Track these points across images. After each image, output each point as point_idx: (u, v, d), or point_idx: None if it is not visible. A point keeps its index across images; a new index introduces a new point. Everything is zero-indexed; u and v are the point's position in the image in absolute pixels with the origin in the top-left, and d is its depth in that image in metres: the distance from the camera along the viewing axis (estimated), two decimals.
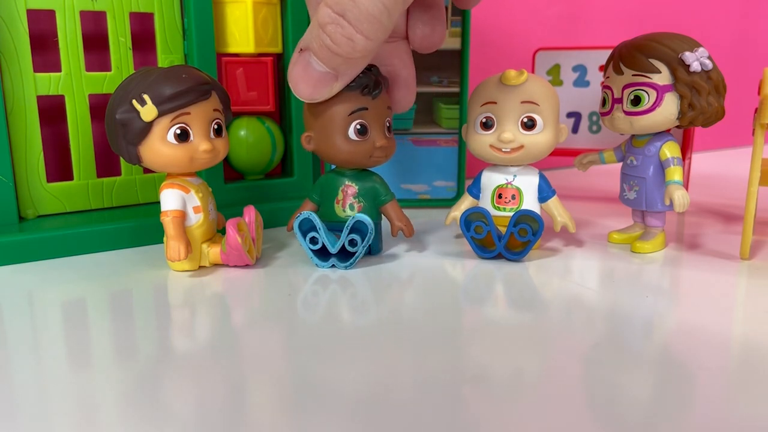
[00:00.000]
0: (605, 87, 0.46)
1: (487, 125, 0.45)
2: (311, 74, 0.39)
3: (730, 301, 0.39)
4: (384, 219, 0.47)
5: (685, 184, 0.57)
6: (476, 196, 0.48)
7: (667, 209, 0.46)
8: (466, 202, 0.48)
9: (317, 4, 0.40)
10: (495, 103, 0.44)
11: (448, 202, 0.60)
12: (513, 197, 0.46)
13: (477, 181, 0.48)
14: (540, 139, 0.44)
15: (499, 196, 0.46)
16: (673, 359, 0.31)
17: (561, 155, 0.65)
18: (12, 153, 0.47)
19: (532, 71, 0.66)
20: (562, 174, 0.79)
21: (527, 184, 0.46)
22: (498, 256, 0.45)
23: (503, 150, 0.44)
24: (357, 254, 0.43)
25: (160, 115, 0.40)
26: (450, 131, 0.59)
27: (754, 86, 0.67)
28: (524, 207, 0.46)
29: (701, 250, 0.48)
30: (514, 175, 0.46)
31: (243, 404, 0.27)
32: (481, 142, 0.45)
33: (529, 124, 0.43)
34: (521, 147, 0.44)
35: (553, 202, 0.46)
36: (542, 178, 0.46)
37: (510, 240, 0.44)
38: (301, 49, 0.39)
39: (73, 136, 0.50)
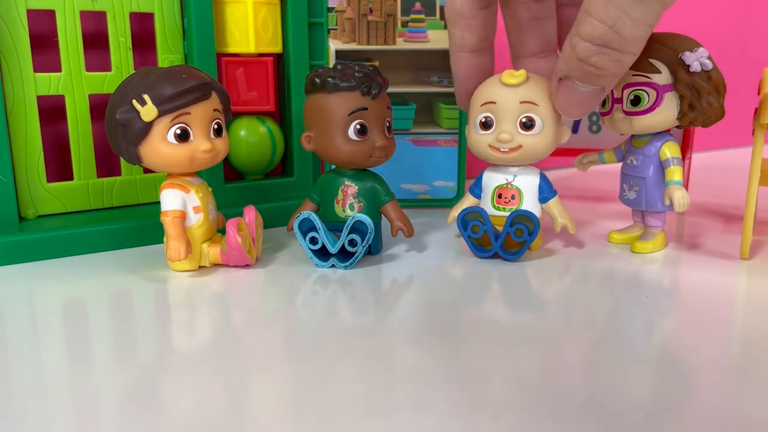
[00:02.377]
0: None
1: (486, 125, 0.45)
2: (578, 97, 0.40)
3: (730, 301, 0.39)
4: (384, 219, 0.47)
5: (685, 184, 0.57)
6: (478, 196, 0.48)
7: (667, 209, 0.46)
8: (467, 202, 0.48)
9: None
10: (494, 103, 0.44)
11: (448, 202, 0.60)
12: (513, 197, 0.46)
13: (479, 180, 0.48)
14: (538, 140, 0.44)
15: (499, 196, 0.46)
16: (673, 359, 0.31)
17: (561, 155, 0.64)
18: (12, 153, 0.47)
19: None
20: (562, 174, 0.79)
21: (527, 184, 0.46)
22: (494, 256, 0.45)
23: (501, 150, 0.44)
24: (357, 254, 0.43)
25: (160, 115, 0.40)
26: (450, 131, 0.59)
27: (754, 86, 0.67)
28: (524, 207, 0.46)
29: (701, 250, 0.48)
30: (514, 175, 0.46)
31: (243, 404, 0.27)
32: (480, 141, 0.45)
33: (528, 125, 0.43)
34: (519, 147, 0.44)
35: (554, 203, 0.46)
36: (543, 178, 0.46)
37: (506, 240, 0.44)
38: (560, 78, 0.40)
39: (73, 136, 0.50)
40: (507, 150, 0.44)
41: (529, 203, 0.46)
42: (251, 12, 0.52)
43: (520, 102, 0.43)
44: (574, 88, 0.40)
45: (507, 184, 0.46)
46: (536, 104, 0.43)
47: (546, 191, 0.46)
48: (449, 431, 0.25)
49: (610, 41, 0.36)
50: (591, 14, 0.36)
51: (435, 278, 0.42)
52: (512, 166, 0.46)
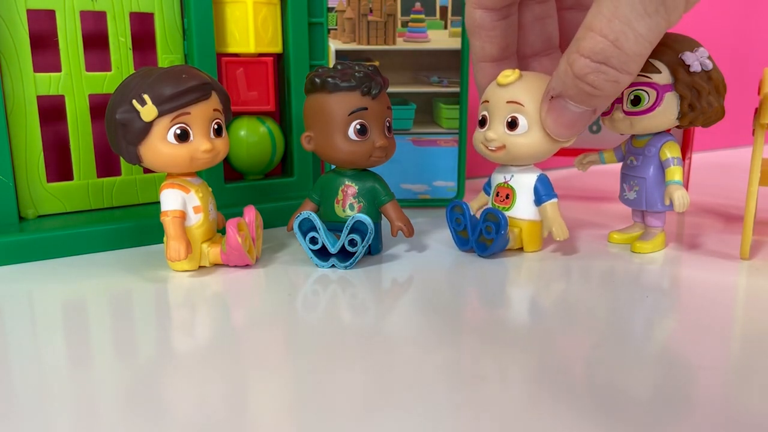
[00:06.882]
0: None
1: (482, 123, 0.45)
2: (569, 117, 0.40)
3: (730, 301, 0.39)
4: (384, 219, 0.47)
5: (685, 184, 0.57)
6: (488, 193, 0.49)
7: (667, 209, 0.46)
8: (480, 199, 0.50)
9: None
10: (488, 102, 0.45)
11: (448, 202, 0.60)
12: (507, 196, 0.46)
13: (490, 178, 0.49)
14: (522, 141, 0.43)
15: (497, 195, 0.47)
16: (673, 359, 0.31)
17: (561, 155, 0.64)
18: (12, 153, 0.47)
19: None
20: (562, 174, 0.79)
21: (522, 184, 0.46)
22: (470, 250, 0.47)
23: (489, 148, 0.45)
24: (357, 254, 0.43)
25: (160, 115, 0.40)
26: (450, 131, 0.59)
27: (754, 86, 0.67)
28: (516, 207, 0.46)
29: (701, 250, 0.48)
30: (512, 175, 0.46)
31: (243, 404, 0.27)
32: (476, 138, 0.46)
33: (513, 124, 0.44)
34: (504, 146, 0.44)
35: (548, 207, 0.45)
36: (541, 180, 0.46)
37: (480, 235, 0.45)
38: (552, 97, 0.40)
39: (73, 136, 0.50)
40: (494, 148, 0.44)
41: (522, 204, 0.46)
42: (251, 12, 0.52)
43: (507, 102, 0.43)
44: (566, 107, 0.39)
45: (504, 183, 0.47)
46: (522, 105, 0.43)
47: (542, 194, 0.46)
48: (449, 431, 0.25)
49: (610, 57, 0.36)
50: (593, 29, 0.35)
51: (435, 278, 0.42)
52: (512, 165, 0.46)
